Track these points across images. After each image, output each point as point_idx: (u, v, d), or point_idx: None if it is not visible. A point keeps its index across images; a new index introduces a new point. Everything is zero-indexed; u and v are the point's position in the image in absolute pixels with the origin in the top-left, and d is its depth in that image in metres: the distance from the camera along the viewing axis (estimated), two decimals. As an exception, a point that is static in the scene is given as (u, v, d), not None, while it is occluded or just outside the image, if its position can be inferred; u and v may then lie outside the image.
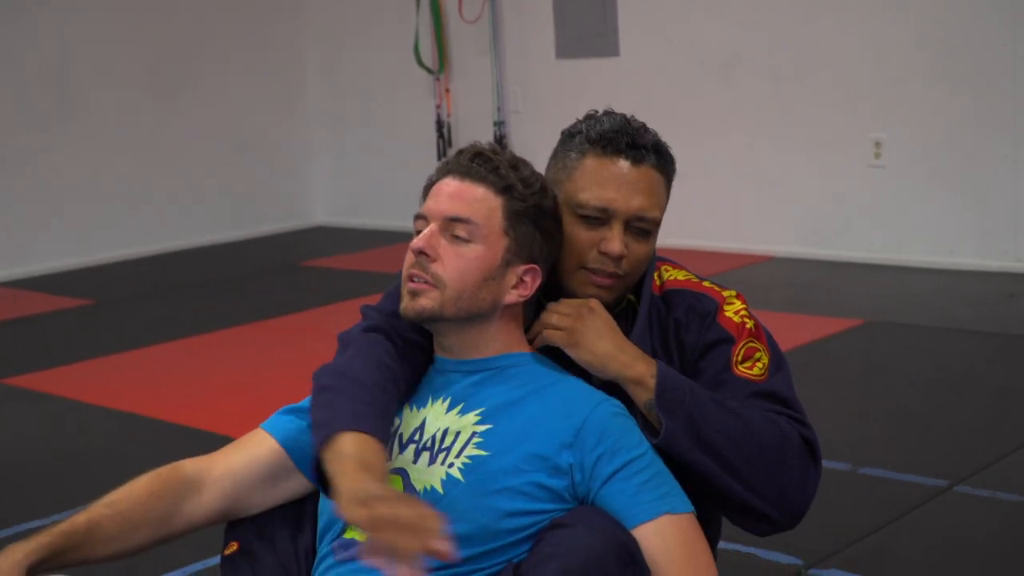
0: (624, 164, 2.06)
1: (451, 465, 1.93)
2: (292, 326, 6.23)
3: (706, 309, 2.11)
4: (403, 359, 2.02)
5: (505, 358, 2.03)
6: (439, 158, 8.29)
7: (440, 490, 1.91)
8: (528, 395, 1.98)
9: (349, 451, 1.82)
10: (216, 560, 2.10)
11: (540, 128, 7.71)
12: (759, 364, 2.07)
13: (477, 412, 1.98)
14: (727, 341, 2.08)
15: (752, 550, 3.20)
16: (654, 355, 2.07)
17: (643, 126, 2.11)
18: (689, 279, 2.16)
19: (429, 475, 1.94)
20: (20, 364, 5.71)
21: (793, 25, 7.02)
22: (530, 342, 2.08)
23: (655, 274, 2.15)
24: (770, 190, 7.23)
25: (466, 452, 1.93)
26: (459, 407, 1.99)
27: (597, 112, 2.15)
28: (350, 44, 9.12)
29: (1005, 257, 6.46)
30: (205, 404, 4.97)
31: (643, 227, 2.07)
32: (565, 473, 1.90)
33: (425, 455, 1.96)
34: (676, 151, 2.15)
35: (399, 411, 2.02)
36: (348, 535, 1.94)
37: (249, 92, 9.02)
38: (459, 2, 8.25)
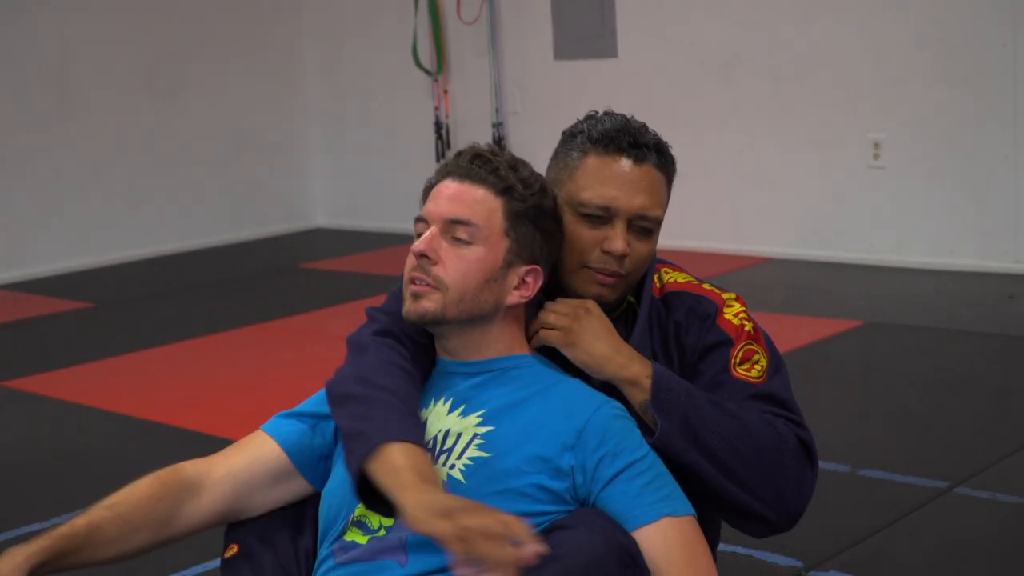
0: (626, 163, 2.07)
1: (452, 467, 1.93)
2: (291, 328, 6.23)
3: (706, 311, 2.11)
4: (415, 362, 2.02)
5: (507, 360, 2.03)
6: (438, 159, 8.29)
7: (441, 492, 1.91)
8: (530, 397, 1.98)
9: (402, 463, 1.81)
10: (216, 563, 2.10)
11: (538, 129, 7.72)
12: (757, 366, 2.08)
13: (479, 414, 1.98)
14: (726, 343, 2.08)
15: (751, 552, 3.21)
16: (654, 357, 2.08)
17: (644, 126, 2.12)
18: (689, 281, 2.17)
19: (431, 476, 1.93)
20: (20, 367, 5.71)
21: (792, 25, 7.02)
22: (527, 341, 2.08)
23: (655, 276, 2.16)
24: (769, 191, 7.23)
25: (468, 454, 1.93)
26: (461, 409, 1.99)
27: (598, 113, 2.15)
28: (349, 45, 9.11)
29: (1005, 258, 6.46)
30: (204, 406, 4.97)
31: (645, 226, 2.08)
32: (566, 475, 1.90)
33: (427, 456, 1.96)
34: (675, 152, 2.15)
35: None
36: (348, 537, 1.94)
37: (248, 93, 9.02)
38: (457, 3, 8.25)
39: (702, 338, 2.09)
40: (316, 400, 2.11)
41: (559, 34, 7.95)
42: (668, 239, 2.16)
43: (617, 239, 2.05)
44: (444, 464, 1.94)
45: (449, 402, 2.01)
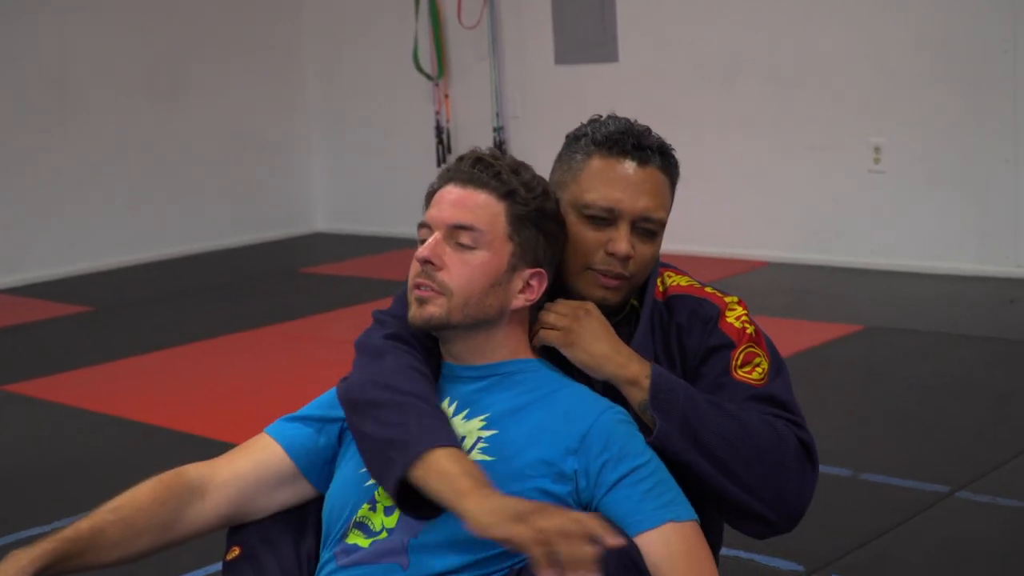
0: (630, 165, 2.08)
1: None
2: (291, 332, 6.23)
3: (708, 314, 2.12)
4: (427, 365, 2.02)
5: (511, 364, 2.03)
6: (439, 164, 8.29)
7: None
8: (534, 401, 1.98)
9: (453, 469, 1.80)
10: (219, 566, 2.10)
11: (539, 133, 7.73)
12: (758, 369, 2.08)
13: (482, 417, 1.98)
14: (728, 346, 2.09)
15: (753, 556, 3.20)
16: (656, 360, 2.08)
17: (648, 129, 2.13)
18: (692, 285, 2.18)
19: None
20: (19, 371, 5.71)
21: (792, 31, 7.02)
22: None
23: (658, 280, 2.17)
24: (770, 194, 7.23)
25: (471, 457, 1.93)
26: (465, 412, 1.99)
27: (601, 116, 2.17)
28: (349, 47, 9.12)
29: (1005, 262, 6.46)
30: (204, 410, 4.97)
31: (649, 228, 2.09)
32: (569, 479, 1.90)
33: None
34: (676, 156, 2.16)
35: None
36: (350, 540, 1.94)
37: (248, 95, 9.02)
38: (458, 8, 8.26)
39: (704, 341, 2.10)
40: (320, 403, 2.11)
41: (560, 38, 7.96)
42: (668, 243, 2.16)
43: (621, 240, 2.05)
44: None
45: (453, 406, 2.01)
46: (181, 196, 8.71)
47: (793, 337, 5.29)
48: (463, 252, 1.98)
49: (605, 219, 2.06)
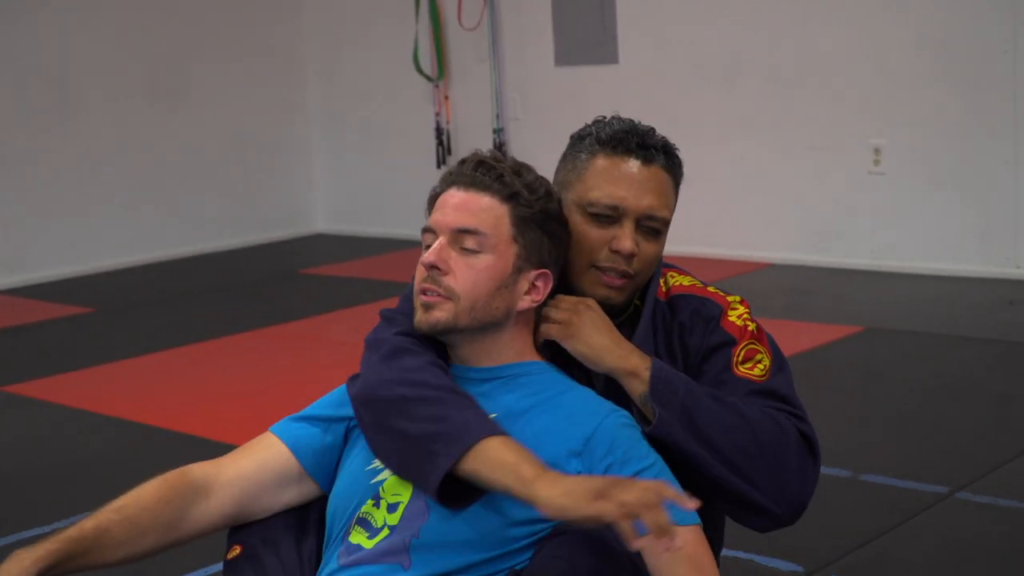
0: (634, 163, 2.09)
1: (459, 471, 1.93)
2: (292, 334, 6.23)
3: (710, 313, 2.13)
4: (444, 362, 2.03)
5: (517, 366, 2.04)
6: (438, 165, 8.30)
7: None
8: (539, 403, 1.98)
9: (511, 457, 1.80)
10: (220, 566, 2.10)
11: (539, 135, 7.74)
12: (760, 365, 2.09)
13: (488, 419, 1.97)
14: (729, 343, 2.10)
15: (753, 557, 3.21)
16: (657, 357, 2.08)
17: (652, 129, 2.15)
18: (694, 284, 2.19)
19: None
20: (20, 372, 5.71)
21: (792, 32, 7.02)
22: (534, 342, 2.09)
23: (661, 280, 2.18)
24: (770, 196, 7.23)
25: None
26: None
27: (605, 117, 2.18)
28: (349, 47, 9.12)
29: (1006, 264, 6.46)
30: (205, 411, 4.97)
31: (653, 226, 2.10)
32: (572, 481, 1.90)
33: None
34: (676, 157, 2.16)
35: None
36: (353, 539, 1.94)
37: (249, 96, 9.03)
38: (458, 9, 8.26)
39: (706, 339, 2.11)
40: (327, 402, 2.11)
41: (560, 40, 7.96)
42: (668, 244, 2.17)
43: (625, 238, 2.06)
44: (451, 468, 1.94)
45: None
46: (181, 196, 8.71)
47: (793, 338, 5.29)
48: (468, 256, 1.98)
49: (610, 217, 2.07)
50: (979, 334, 5.48)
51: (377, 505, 1.94)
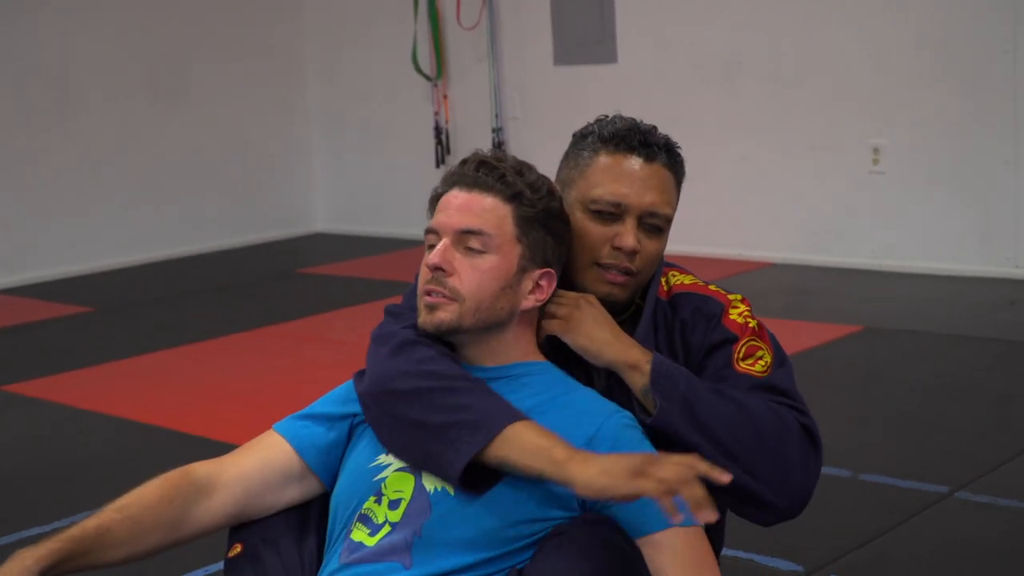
0: (637, 161, 2.10)
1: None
2: (291, 333, 6.23)
3: (712, 311, 2.14)
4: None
5: (521, 366, 2.04)
6: (438, 165, 8.29)
7: (451, 492, 1.91)
8: (541, 404, 1.98)
9: (541, 441, 1.82)
10: (221, 565, 2.10)
11: (538, 134, 7.74)
12: (761, 362, 2.10)
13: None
14: (730, 340, 2.11)
15: (752, 556, 3.21)
16: (658, 353, 2.09)
17: (654, 127, 2.16)
18: (696, 283, 2.20)
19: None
20: (20, 371, 5.71)
21: (792, 31, 7.02)
22: (537, 341, 2.09)
23: (662, 279, 2.19)
24: (770, 195, 7.23)
25: None
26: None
27: (607, 116, 2.19)
28: (349, 47, 9.12)
29: (1006, 263, 6.46)
30: (204, 411, 4.97)
31: (655, 223, 2.11)
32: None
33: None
34: (676, 157, 2.17)
35: None
36: (355, 537, 1.94)
37: (248, 95, 9.02)
38: (457, 9, 8.26)
39: (707, 337, 2.12)
40: (330, 400, 2.11)
41: (559, 39, 7.96)
42: (669, 244, 2.17)
43: (628, 235, 2.07)
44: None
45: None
46: (181, 196, 8.70)
47: (793, 338, 5.28)
48: (472, 257, 1.99)
49: (612, 214, 2.08)
50: (979, 334, 5.48)
51: (379, 502, 1.95)
